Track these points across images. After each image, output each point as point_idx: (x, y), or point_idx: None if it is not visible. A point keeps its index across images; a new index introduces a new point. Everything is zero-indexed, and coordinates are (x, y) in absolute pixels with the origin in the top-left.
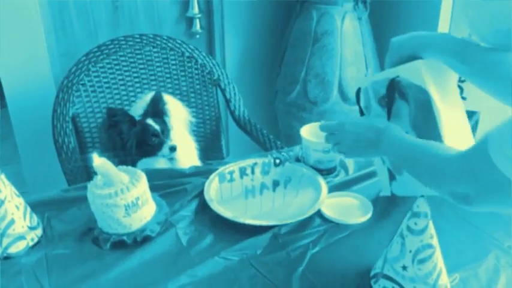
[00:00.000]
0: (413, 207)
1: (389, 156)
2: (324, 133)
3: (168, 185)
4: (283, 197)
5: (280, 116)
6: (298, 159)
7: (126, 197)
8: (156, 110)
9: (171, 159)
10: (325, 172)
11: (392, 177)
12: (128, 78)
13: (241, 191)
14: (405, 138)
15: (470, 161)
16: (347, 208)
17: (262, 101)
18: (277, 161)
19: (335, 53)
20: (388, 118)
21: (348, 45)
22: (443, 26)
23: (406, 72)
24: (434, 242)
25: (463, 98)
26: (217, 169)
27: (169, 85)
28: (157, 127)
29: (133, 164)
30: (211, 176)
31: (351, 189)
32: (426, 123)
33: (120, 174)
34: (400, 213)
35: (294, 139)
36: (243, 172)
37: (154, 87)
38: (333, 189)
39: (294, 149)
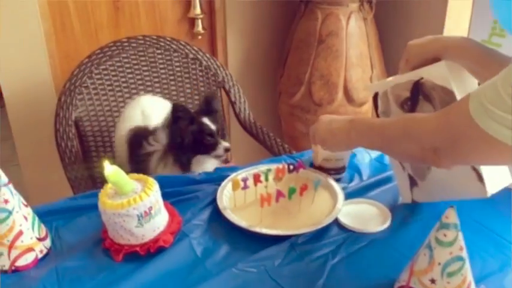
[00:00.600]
0: (441, 218)
1: (363, 139)
2: None
3: (178, 193)
4: (299, 204)
5: (283, 118)
6: (311, 164)
7: (138, 206)
8: (210, 109)
9: (220, 159)
10: (333, 172)
11: (413, 183)
12: (131, 81)
13: (256, 198)
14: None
15: (448, 116)
16: (365, 216)
17: (266, 103)
18: (291, 167)
19: (340, 54)
20: None
21: (353, 46)
22: (449, 26)
23: (430, 74)
24: (464, 254)
25: None
26: (228, 175)
27: (173, 87)
28: (213, 127)
29: (188, 161)
30: (224, 183)
31: (367, 196)
32: None
33: (132, 182)
34: (420, 221)
35: (298, 141)
36: (256, 179)
37: (158, 90)
38: (348, 195)
39: (305, 154)
